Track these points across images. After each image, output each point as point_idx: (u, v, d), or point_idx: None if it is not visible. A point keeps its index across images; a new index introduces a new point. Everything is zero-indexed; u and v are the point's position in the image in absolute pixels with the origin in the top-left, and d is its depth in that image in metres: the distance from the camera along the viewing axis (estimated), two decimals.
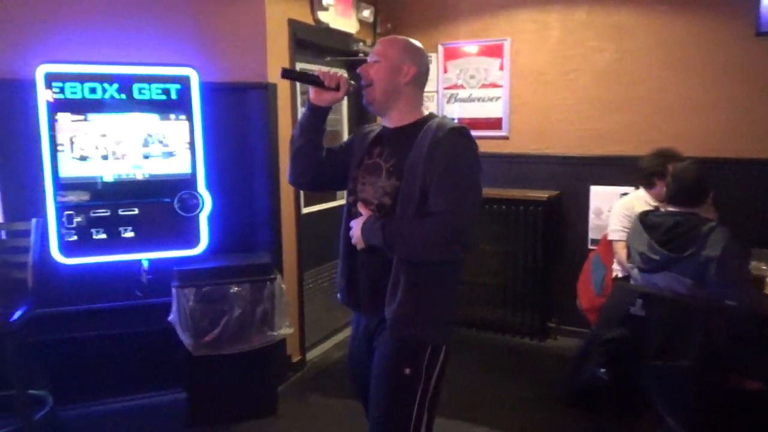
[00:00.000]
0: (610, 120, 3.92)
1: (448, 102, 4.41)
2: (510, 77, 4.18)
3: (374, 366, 1.75)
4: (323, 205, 4.03)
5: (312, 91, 1.80)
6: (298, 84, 3.52)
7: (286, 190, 3.39)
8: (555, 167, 4.12)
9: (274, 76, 3.22)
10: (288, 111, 3.40)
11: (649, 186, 3.20)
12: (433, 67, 4.39)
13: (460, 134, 1.69)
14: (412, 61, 1.77)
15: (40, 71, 2.67)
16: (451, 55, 4.36)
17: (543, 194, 3.99)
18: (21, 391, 2.42)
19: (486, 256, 4.15)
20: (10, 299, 2.54)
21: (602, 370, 2.79)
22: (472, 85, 4.31)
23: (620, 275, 3.19)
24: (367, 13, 4.06)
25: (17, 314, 2.41)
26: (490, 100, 4.27)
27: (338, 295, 1.92)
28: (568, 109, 4.04)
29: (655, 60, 3.77)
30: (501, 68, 4.20)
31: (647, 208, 2.96)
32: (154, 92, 2.85)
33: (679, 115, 3.73)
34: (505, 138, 4.25)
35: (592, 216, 4.01)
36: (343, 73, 1.79)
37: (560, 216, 4.11)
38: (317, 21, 3.62)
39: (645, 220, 2.68)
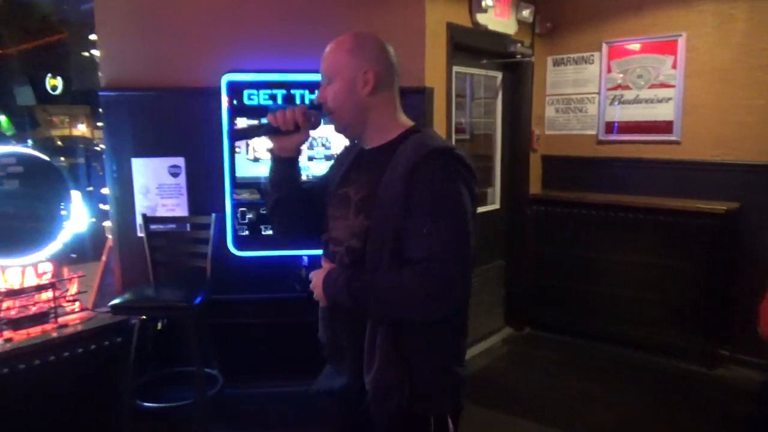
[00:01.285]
0: None
1: (610, 104, 4.13)
2: (684, 76, 3.81)
3: None
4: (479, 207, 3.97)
5: (272, 141, 1.48)
6: (453, 86, 3.52)
7: None
8: (735, 176, 3.67)
9: (431, 80, 3.24)
10: (443, 113, 3.41)
11: None
12: (595, 67, 4.15)
13: (443, 156, 1.32)
14: (366, 63, 1.41)
15: (224, 80, 2.94)
16: (616, 53, 4.08)
17: (720, 206, 3.58)
18: (200, 368, 2.68)
19: (647, 269, 3.83)
20: (192, 285, 2.83)
21: None
22: (640, 85, 3.99)
23: None
24: (526, 13, 3.94)
25: (198, 299, 2.68)
26: (660, 101, 3.93)
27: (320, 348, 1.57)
28: (756, 111, 3.58)
29: None
30: (674, 66, 3.84)
31: None
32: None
33: None
34: (676, 143, 3.88)
35: None
36: (298, 108, 1.44)
37: (739, 230, 3.66)
38: (475, 23, 3.58)
39: None
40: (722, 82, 3.69)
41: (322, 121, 1.48)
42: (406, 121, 1.49)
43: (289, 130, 1.44)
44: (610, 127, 4.15)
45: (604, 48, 4.11)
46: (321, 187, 1.56)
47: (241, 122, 2.97)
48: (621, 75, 4.07)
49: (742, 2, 3.58)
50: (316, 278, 1.41)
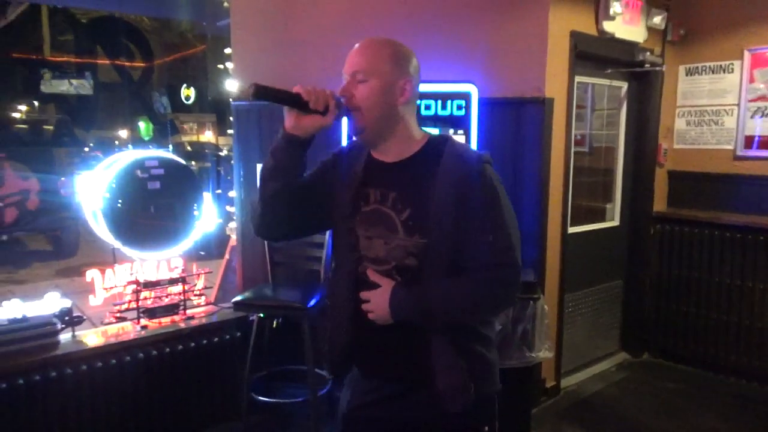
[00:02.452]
0: None
1: (751, 117, 3.77)
2: None
3: None
4: (591, 225, 3.81)
5: (289, 116, 1.34)
6: (574, 97, 3.39)
7: (554, 208, 3.28)
8: None
9: (552, 90, 3.14)
10: (563, 126, 3.29)
11: None
12: (734, 77, 3.81)
13: (489, 164, 1.37)
14: (408, 74, 1.39)
15: None
16: (759, 62, 3.72)
17: None
18: (311, 367, 2.77)
19: (760, 295, 3.44)
20: (307, 287, 2.94)
21: None
22: None
23: None
24: (658, 20, 3.70)
25: (313, 301, 2.77)
26: None
27: (335, 369, 1.54)
28: None
29: None
30: None
31: None
32: (436, 108, 3.01)
33: None
34: None
35: None
36: (331, 91, 1.35)
37: None
38: (601, 31, 3.42)
39: None
40: None
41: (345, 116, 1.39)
42: (420, 132, 1.46)
43: (315, 110, 1.31)
44: (749, 142, 3.78)
45: (746, 56, 3.76)
46: (313, 183, 1.47)
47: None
48: (765, 85, 3.70)
49: None
50: (377, 298, 1.36)
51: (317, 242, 3.11)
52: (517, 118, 3.20)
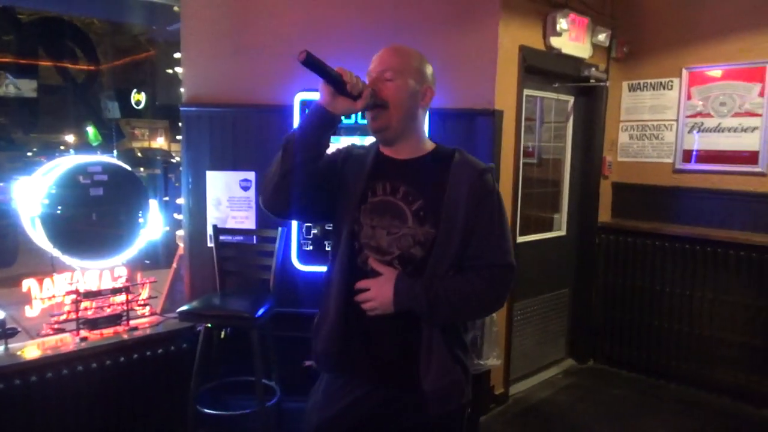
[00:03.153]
0: None
1: (689, 132, 3.94)
2: None
3: None
4: (540, 235, 3.89)
5: (326, 92, 1.38)
6: (523, 110, 3.47)
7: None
8: None
9: (502, 103, 3.21)
10: (512, 138, 3.37)
11: None
12: (674, 93, 3.99)
13: (491, 173, 1.48)
14: (429, 82, 1.50)
15: (297, 98, 3.02)
16: (697, 80, 3.91)
17: None
18: (260, 379, 2.72)
19: (730, 308, 3.61)
20: (257, 297, 2.89)
21: None
22: (722, 113, 3.80)
23: None
24: (602, 37, 3.84)
25: (261, 310, 2.73)
26: (744, 130, 3.72)
27: (323, 366, 1.58)
28: None
29: None
30: (761, 94, 3.64)
31: None
32: None
33: None
34: (762, 174, 3.65)
35: None
36: (365, 83, 1.43)
37: None
38: (549, 47, 3.53)
39: None
40: None
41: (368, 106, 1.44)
42: (428, 139, 1.57)
43: (351, 94, 1.37)
44: (688, 156, 3.96)
45: (684, 74, 3.94)
46: (327, 170, 1.49)
47: None
48: (701, 102, 3.89)
49: None
50: (380, 287, 1.39)
51: (267, 251, 3.07)
52: (468, 130, 3.25)
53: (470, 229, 1.41)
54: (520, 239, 3.62)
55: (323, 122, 1.39)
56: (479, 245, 1.42)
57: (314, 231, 3.05)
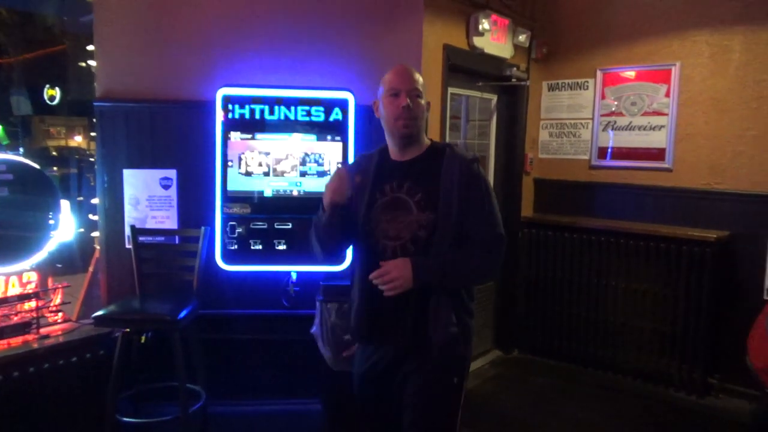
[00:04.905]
0: None
1: (603, 130, 4.15)
2: (678, 105, 3.84)
3: (420, 382, 1.80)
4: None
5: (329, 191, 1.78)
6: (448, 107, 3.55)
7: None
8: (727, 205, 3.68)
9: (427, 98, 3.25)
10: (437, 134, 3.42)
11: None
12: (589, 93, 4.18)
13: (478, 161, 1.81)
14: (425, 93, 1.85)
15: (219, 94, 2.94)
16: (610, 80, 4.12)
17: (710, 234, 3.59)
18: (183, 383, 2.63)
19: (640, 296, 3.82)
20: (179, 299, 2.80)
21: None
22: (633, 112, 4.02)
23: None
24: (523, 38, 3.98)
25: (184, 312, 2.64)
26: (653, 129, 3.95)
27: (355, 335, 1.94)
28: (750, 141, 3.60)
29: None
30: (667, 95, 3.88)
31: None
32: (314, 114, 3.01)
33: None
34: (668, 170, 3.90)
35: None
36: (338, 167, 1.87)
37: (731, 260, 3.65)
38: (472, 46, 3.61)
39: None
40: (717, 111, 3.71)
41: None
42: (426, 139, 1.88)
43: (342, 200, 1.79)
44: (603, 153, 4.17)
45: (599, 75, 4.14)
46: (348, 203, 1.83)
47: (235, 136, 2.97)
48: (615, 102, 4.10)
49: (737, 34, 3.62)
50: (398, 269, 1.68)
51: (190, 251, 2.98)
52: None
53: (464, 210, 1.72)
54: None
55: (337, 210, 1.79)
56: (474, 222, 1.74)
57: (239, 230, 2.98)
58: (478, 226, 1.74)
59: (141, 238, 3.00)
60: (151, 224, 3.10)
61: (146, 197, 3.10)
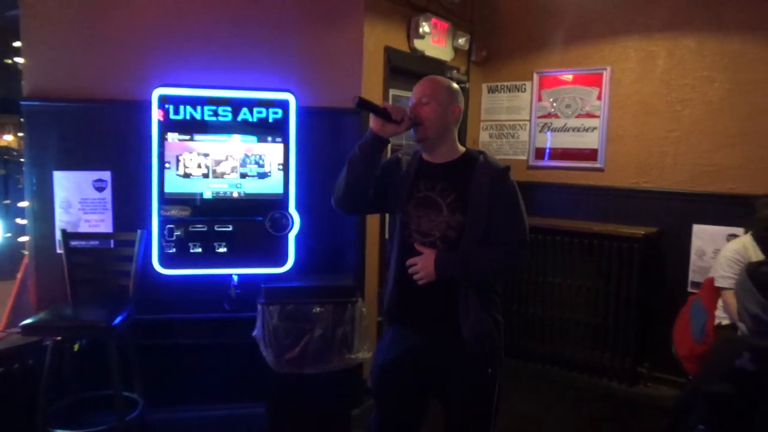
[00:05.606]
0: (722, 155, 3.66)
1: (540, 131, 4.30)
2: (609, 107, 4.02)
3: (458, 377, 1.91)
4: None
5: (376, 122, 1.85)
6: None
7: (372, 215, 3.42)
8: (654, 203, 3.89)
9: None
10: None
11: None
12: (526, 96, 4.32)
13: (509, 171, 1.91)
14: (457, 101, 1.94)
15: (155, 94, 2.88)
16: (546, 83, 4.27)
17: (639, 231, 3.78)
18: (118, 392, 2.57)
19: (575, 291, 3.98)
20: (114, 304, 2.72)
21: (701, 427, 2.55)
22: (568, 114, 4.18)
23: (724, 323, 2.93)
24: (462, 41, 4.06)
25: (119, 319, 2.57)
26: (586, 130, 4.12)
27: (388, 320, 2.03)
28: (674, 142, 3.81)
29: None
30: (599, 98, 4.05)
31: (761, 254, 2.71)
32: (254, 115, 2.98)
33: None
34: (600, 170, 4.08)
35: (693, 257, 3.74)
36: (404, 107, 1.91)
37: (658, 255, 3.86)
38: (413, 49, 3.67)
39: (756, 275, 2.42)
40: (644, 114, 3.91)
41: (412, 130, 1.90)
42: (461, 146, 1.97)
43: (395, 120, 1.81)
44: (540, 154, 4.31)
45: (536, 78, 4.29)
46: (379, 176, 1.93)
47: (173, 137, 2.91)
48: (551, 104, 4.25)
49: (662, 40, 3.82)
50: (424, 261, 1.83)
51: (126, 255, 2.90)
52: (335, 128, 3.29)
53: (492, 215, 1.83)
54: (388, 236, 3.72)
55: (376, 143, 1.85)
56: (499, 227, 1.84)
57: (177, 233, 2.92)
58: (503, 231, 1.84)
59: (73, 243, 2.89)
60: (84, 228, 3.00)
61: (79, 200, 3.00)
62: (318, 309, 2.90)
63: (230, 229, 2.97)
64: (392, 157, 2.05)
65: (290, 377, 2.89)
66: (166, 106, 2.90)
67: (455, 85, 1.97)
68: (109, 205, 3.04)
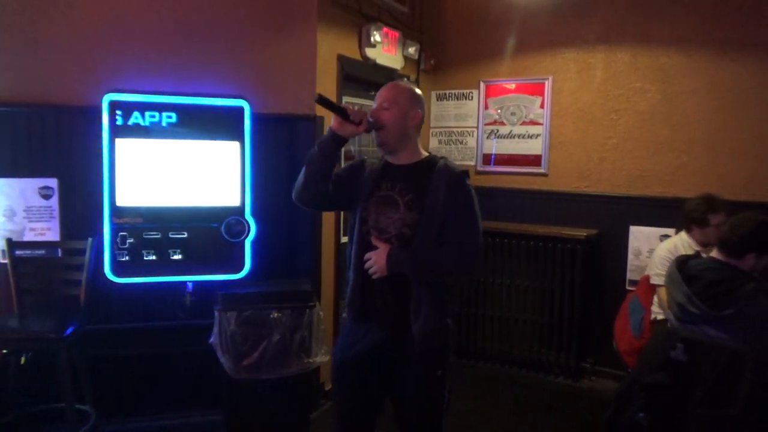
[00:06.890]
0: (654, 161, 3.91)
1: (487, 138, 4.46)
2: (551, 115, 4.22)
3: (407, 375, 1.97)
4: None
5: (336, 121, 1.92)
6: None
7: (328, 220, 3.47)
8: (594, 206, 4.11)
9: (322, 109, 3.32)
10: None
11: (688, 230, 3.18)
12: (473, 104, 4.47)
13: (468, 177, 2.00)
14: (418, 107, 2.01)
15: (106, 99, 2.82)
16: (492, 92, 4.43)
17: (581, 233, 3.98)
18: (70, 404, 2.50)
19: (522, 291, 4.15)
20: (64, 315, 2.65)
21: (641, 414, 2.73)
22: (513, 122, 4.36)
23: (659, 318, 3.14)
24: (412, 50, 4.17)
25: (70, 329, 2.51)
26: (530, 137, 4.31)
27: (350, 314, 2.06)
28: (611, 149, 4.04)
29: (702, 103, 3.75)
30: (542, 106, 4.25)
31: (691, 252, 2.93)
32: (208, 122, 2.98)
33: (727, 158, 3.69)
34: (544, 175, 4.27)
35: (631, 256, 3.98)
36: (366, 111, 1.99)
37: (598, 255, 4.08)
38: (365, 57, 3.74)
39: (684, 268, 2.63)
40: (584, 122, 4.13)
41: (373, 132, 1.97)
42: (424, 150, 2.06)
43: (353, 121, 1.88)
44: (487, 159, 4.47)
45: (482, 86, 4.45)
46: (343, 174, 2.06)
47: (124, 143, 2.86)
48: (497, 112, 4.42)
49: (598, 52, 4.05)
50: (378, 256, 1.90)
51: (76, 264, 2.83)
52: (289, 134, 3.32)
53: (446, 217, 1.89)
54: (344, 240, 3.78)
55: (334, 141, 1.93)
56: (454, 228, 1.90)
57: (130, 240, 2.87)
58: (456, 232, 1.90)
59: (18, 252, 2.80)
60: (29, 236, 2.90)
61: (23, 208, 2.91)
62: (276, 314, 2.92)
63: (185, 236, 2.94)
64: (358, 160, 2.14)
65: (248, 383, 2.89)
66: (117, 111, 2.85)
67: (418, 91, 2.04)
68: (56, 213, 2.96)
